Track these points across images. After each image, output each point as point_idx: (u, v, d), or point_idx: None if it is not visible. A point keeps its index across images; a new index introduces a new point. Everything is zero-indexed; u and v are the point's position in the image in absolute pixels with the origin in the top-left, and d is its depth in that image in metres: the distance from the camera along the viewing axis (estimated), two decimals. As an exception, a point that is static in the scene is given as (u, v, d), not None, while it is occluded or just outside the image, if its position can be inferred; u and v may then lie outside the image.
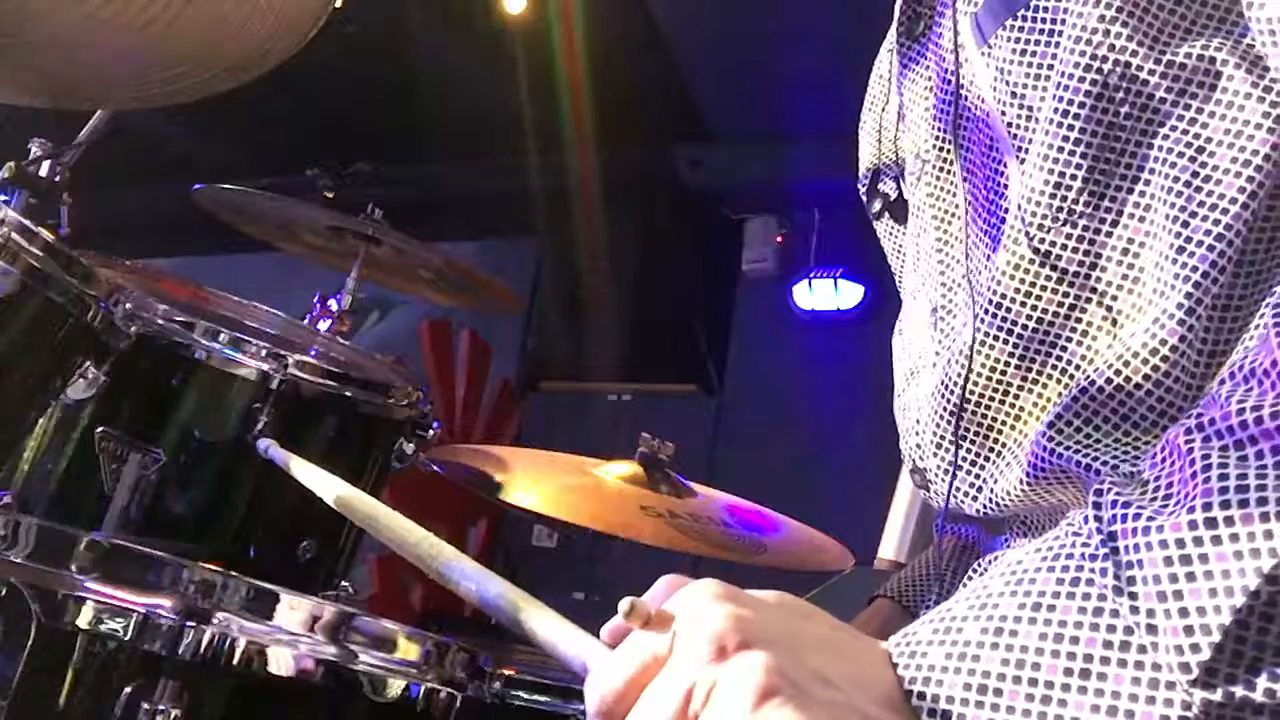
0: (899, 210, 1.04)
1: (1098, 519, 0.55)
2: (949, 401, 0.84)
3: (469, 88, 4.43)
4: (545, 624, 0.62)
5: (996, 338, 0.80)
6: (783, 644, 0.54)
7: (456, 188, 5.17)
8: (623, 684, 0.55)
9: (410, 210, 2.90)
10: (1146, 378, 0.70)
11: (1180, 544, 0.50)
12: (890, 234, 1.09)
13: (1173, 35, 0.71)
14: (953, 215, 0.90)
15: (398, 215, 2.36)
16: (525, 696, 1.07)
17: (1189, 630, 0.49)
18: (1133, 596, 0.51)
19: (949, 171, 0.90)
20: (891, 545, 2.22)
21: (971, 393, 0.82)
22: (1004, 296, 0.79)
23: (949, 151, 0.89)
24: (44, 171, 1.58)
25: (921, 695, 0.54)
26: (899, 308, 1.03)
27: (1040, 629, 0.53)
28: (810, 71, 4.04)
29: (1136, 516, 0.53)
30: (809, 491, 3.43)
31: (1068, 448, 0.74)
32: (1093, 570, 0.53)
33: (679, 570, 0.64)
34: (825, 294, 4.56)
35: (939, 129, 0.90)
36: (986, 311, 0.80)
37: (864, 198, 1.08)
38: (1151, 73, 0.71)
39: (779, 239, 4.79)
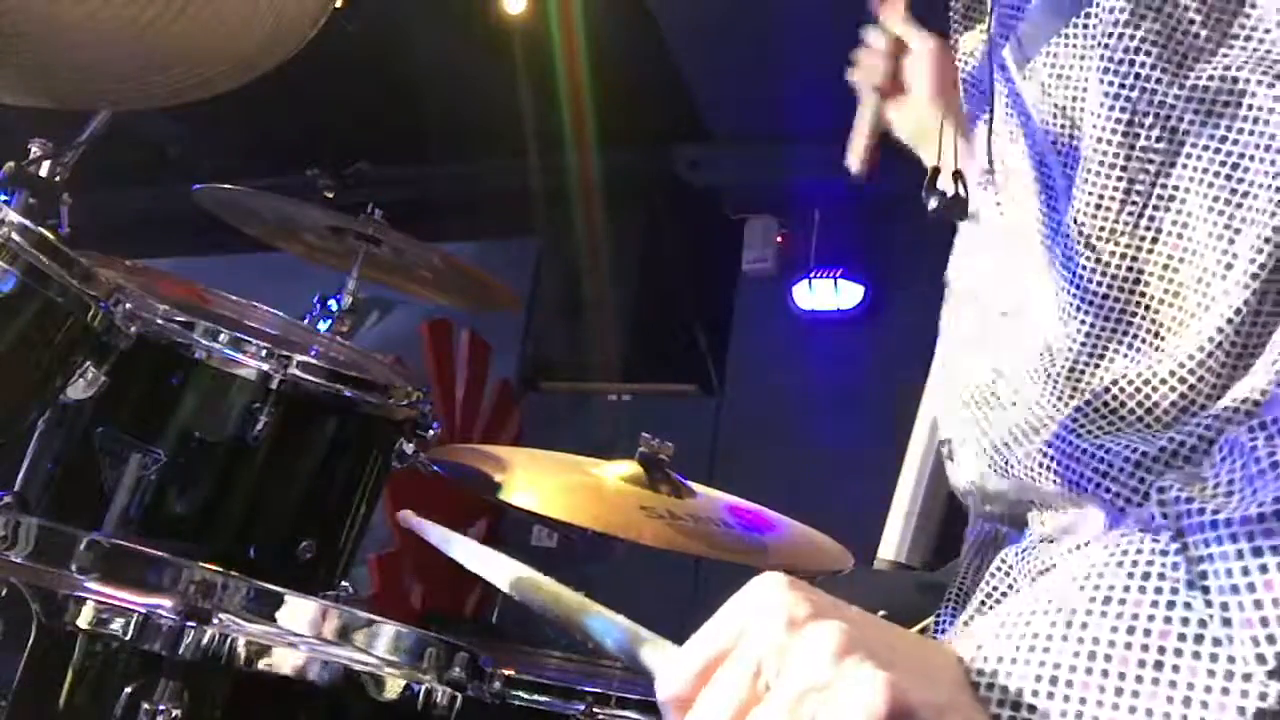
0: (957, 208, 1.06)
1: (1164, 515, 0.55)
2: (996, 393, 0.87)
3: (469, 88, 4.43)
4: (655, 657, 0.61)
5: (1057, 351, 0.82)
6: (854, 619, 0.54)
7: (456, 188, 5.16)
8: (695, 671, 0.55)
9: (410, 210, 2.90)
10: (1171, 373, 0.73)
11: (1251, 537, 0.51)
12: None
13: (1196, 59, 0.74)
14: (1018, 225, 0.92)
15: (398, 215, 2.36)
16: (525, 696, 1.07)
17: (1264, 622, 0.50)
18: (1205, 590, 0.52)
19: (1010, 186, 0.93)
20: (891, 545, 2.22)
21: (1022, 392, 0.85)
22: (1064, 311, 0.81)
23: (1014, 166, 0.92)
24: (44, 171, 1.58)
25: (990, 686, 0.54)
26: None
27: (1112, 622, 0.53)
28: (810, 71, 4.03)
29: (1202, 511, 0.54)
30: (809, 491, 3.43)
31: (1090, 432, 0.76)
32: (1164, 565, 0.54)
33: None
34: (825, 294, 4.55)
35: (1000, 145, 0.93)
36: (1055, 322, 0.82)
37: (923, 194, 1.10)
38: (1177, 98, 0.74)
39: (779, 239, 4.78)
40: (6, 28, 1.17)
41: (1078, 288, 0.80)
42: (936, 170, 1.09)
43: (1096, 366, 0.80)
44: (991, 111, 0.96)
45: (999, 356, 0.91)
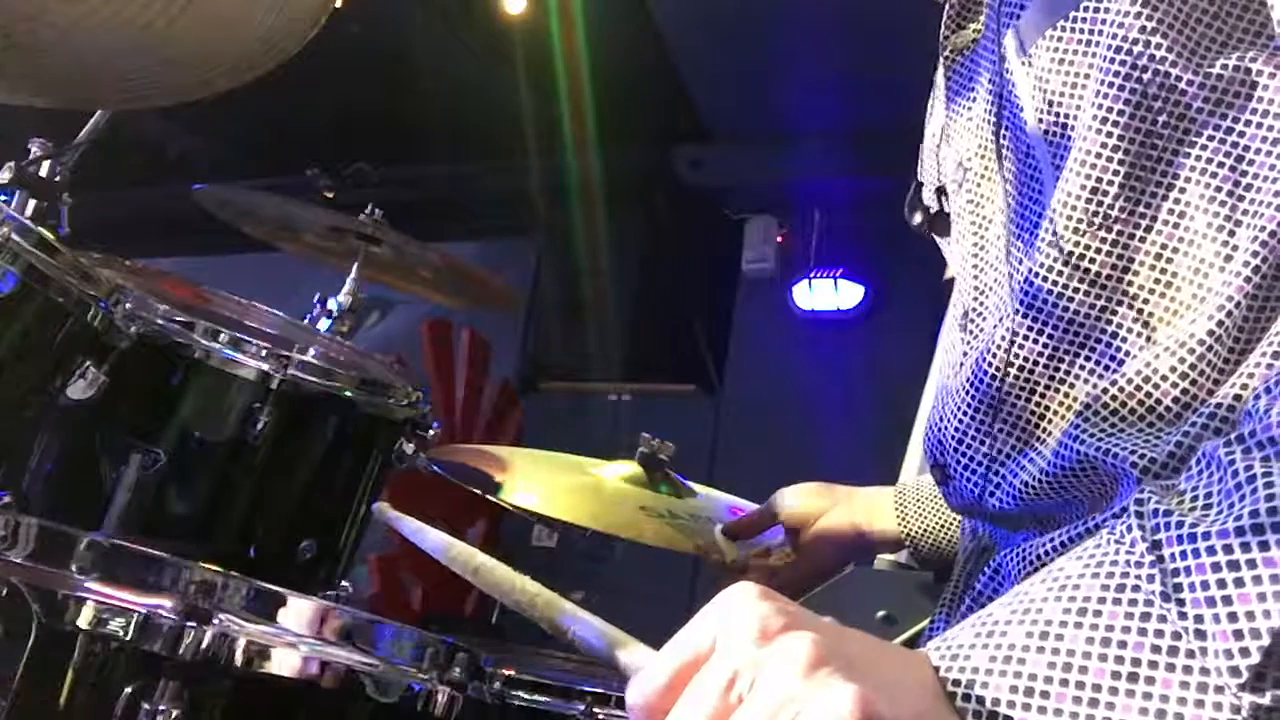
0: (939, 224, 1.06)
1: (1140, 527, 0.55)
2: (974, 399, 0.86)
3: (469, 88, 4.43)
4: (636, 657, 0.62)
5: (1027, 338, 0.82)
6: (826, 631, 0.54)
7: (456, 188, 5.17)
8: (666, 680, 0.54)
9: (410, 210, 2.90)
10: (1173, 369, 0.73)
11: (1228, 550, 0.51)
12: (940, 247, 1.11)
13: (1210, 48, 0.74)
14: (989, 221, 0.92)
15: (398, 215, 2.36)
16: (525, 696, 1.06)
17: (1238, 635, 0.49)
18: (1180, 603, 0.51)
19: (989, 179, 0.92)
20: (891, 545, 2.21)
21: (998, 391, 0.84)
22: (1035, 298, 0.81)
23: (990, 159, 0.91)
24: (44, 171, 1.58)
25: (967, 696, 0.53)
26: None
27: (1087, 633, 0.53)
28: (810, 71, 4.04)
29: (1180, 524, 0.54)
30: (809, 491, 3.43)
31: (1093, 435, 0.75)
32: (1139, 577, 0.54)
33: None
34: (825, 294, 4.56)
35: (982, 137, 0.92)
36: (1018, 313, 0.82)
37: (906, 211, 1.10)
38: (1190, 83, 0.74)
39: (779, 239, 4.79)
40: (6, 28, 1.17)
41: (1060, 276, 0.79)
42: (919, 185, 1.09)
43: (1077, 356, 0.80)
44: (972, 106, 0.95)
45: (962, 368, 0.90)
